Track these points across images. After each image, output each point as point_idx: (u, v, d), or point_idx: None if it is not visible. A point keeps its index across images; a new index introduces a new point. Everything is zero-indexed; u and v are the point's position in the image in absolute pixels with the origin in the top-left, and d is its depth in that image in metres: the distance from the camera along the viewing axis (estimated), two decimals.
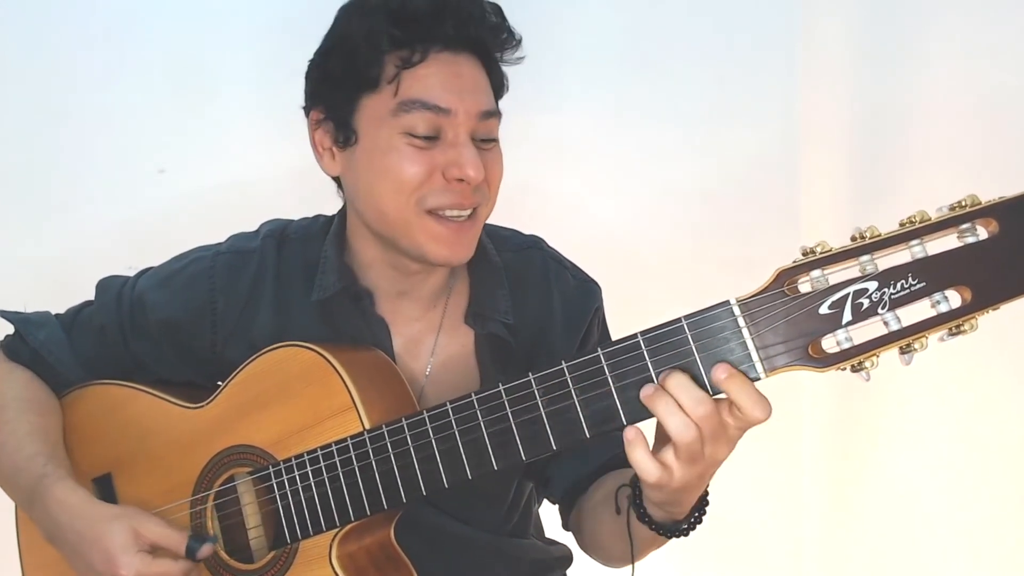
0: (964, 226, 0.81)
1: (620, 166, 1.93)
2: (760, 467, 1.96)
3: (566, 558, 1.33)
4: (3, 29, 1.78)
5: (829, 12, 1.85)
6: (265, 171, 1.84)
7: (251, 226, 1.26)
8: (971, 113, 1.76)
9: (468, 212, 1.07)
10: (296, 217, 1.27)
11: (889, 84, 1.83)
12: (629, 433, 0.87)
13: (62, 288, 1.32)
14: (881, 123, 1.84)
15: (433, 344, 1.18)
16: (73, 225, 1.82)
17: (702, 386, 0.85)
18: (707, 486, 0.97)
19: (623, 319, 1.27)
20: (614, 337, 1.25)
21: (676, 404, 0.85)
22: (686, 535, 1.01)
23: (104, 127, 1.82)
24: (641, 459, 0.87)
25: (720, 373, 0.84)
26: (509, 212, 1.21)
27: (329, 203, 1.27)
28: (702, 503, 0.99)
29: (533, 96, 1.82)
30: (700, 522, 1.01)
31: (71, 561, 1.07)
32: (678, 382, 0.85)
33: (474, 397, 0.96)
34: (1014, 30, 1.73)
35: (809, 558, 1.99)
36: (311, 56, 1.11)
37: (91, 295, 1.28)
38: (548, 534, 1.37)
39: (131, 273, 1.26)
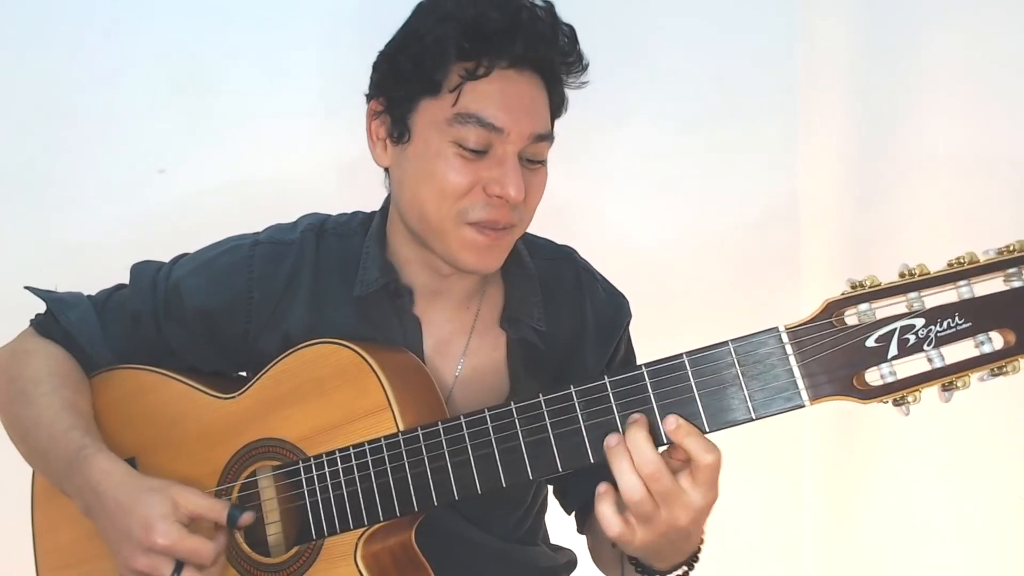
0: (1011, 270, 0.83)
1: (619, 167, 1.95)
2: (760, 475, 1.97)
3: (571, 563, 1.35)
4: (3, 29, 1.78)
5: (830, 12, 1.86)
6: (265, 171, 1.84)
7: (252, 227, 1.26)
8: (972, 113, 1.78)
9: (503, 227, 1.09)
10: (296, 217, 1.27)
11: (890, 83, 1.84)
12: (601, 487, 0.91)
13: (61, 287, 1.31)
14: (881, 122, 1.85)
15: (464, 346, 1.19)
16: (72, 225, 1.82)
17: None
18: (690, 553, 1.00)
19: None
20: (641, 347, 1.30)
21: (630, 461, 0.88)
22: None
23: (104, 127, 1.82)
24: (605, 513, 0.90)
25: (669, 424, 0.88)
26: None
27: (333, 204, 1.29)
28: (691, 560, 1.02)
29: None
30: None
31: (106, 531, 1.06)
32: (633, 440, 0.89)
33: (513, 406, 0.97)
34: (1015, 30, 1.75)
35: (808, 565, 2.00)
36: (384, 45, 1.12)
37: (91, 293, 1.28)
38: (553, 539, 1.38)
39: None
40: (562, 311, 1.22)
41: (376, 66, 1.13)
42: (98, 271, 1.30)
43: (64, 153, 1.81)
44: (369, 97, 1.14)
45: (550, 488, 1.34)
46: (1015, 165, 1.75)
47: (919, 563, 1.93)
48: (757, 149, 1.91)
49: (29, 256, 1.80)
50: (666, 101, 1.91)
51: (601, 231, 1.91)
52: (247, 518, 1.07)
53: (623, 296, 1.28)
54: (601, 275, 1.29)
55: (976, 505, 1.88)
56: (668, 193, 1.93)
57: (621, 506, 0.91)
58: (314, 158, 1.82)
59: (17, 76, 1.78)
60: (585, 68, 1.11)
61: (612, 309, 1.26)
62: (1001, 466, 1.86)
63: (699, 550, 1.01)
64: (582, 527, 1.28)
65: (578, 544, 1.34)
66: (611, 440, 0.90)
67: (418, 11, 1.09)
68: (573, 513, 1.29)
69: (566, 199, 1.87)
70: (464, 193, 1.06)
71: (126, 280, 1.27)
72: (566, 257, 1.28)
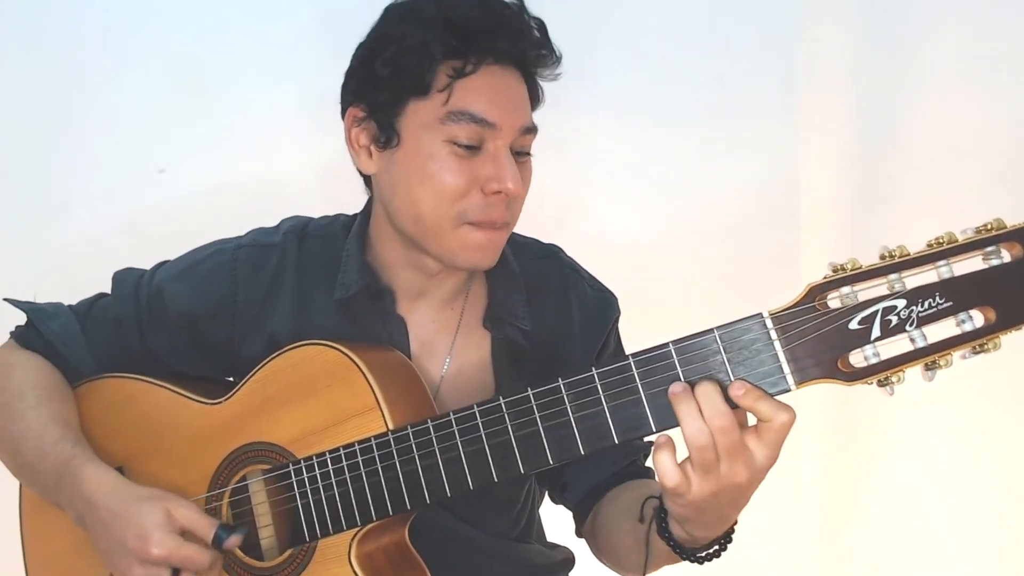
0: (989, 249, 0.84)
1: (619, 167, 1.94)
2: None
3: (568, 561, 1.35)
4: (3, 29, 1.77)
5: (830, 12, 1.87)
6: (265, 171, 1.83)
7: (251, 226, 1.26)
8: (971, 114, 1.79)
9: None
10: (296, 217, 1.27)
11: (890, 84, 1.84)
12: (660, 438, 0.89)
13: (62, 288, 1.31)
14: (882, 123, 1.86)
15: (450, 345, 1.20)
16: (72, 225, 1.81)
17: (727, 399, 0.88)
18: (731, 523, 0.98)
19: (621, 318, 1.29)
20: (637, 346, 1.29)
21: (698, 409, 0.87)
22: (700, 563, 1.02)
23: (104, 127, 1.81)
24: (665, 462, 0.88)
25: (737, 390, 0.86)
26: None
27: (331, 203, 1.28)
28: (725, 538, 1.00)
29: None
30: (717, 555, 1.01)
31: (100, 541, 1.06)
32: (705, 391, 0.87)
33: (502, 401, 0.97)
34: (1015, 32, 1.76)
35: (809, 566, 2.01)
36: (355, 51, 1.12)
37: (91, 294, 1.28)
38: (549, 537, 1.38)
39: None
40: (547, 310, 1.22)
41: (352, 72, 1.13)
42: (98, 272, 1.29)
43: (64, 153, 1.81)
44: (346, 105, 1.13)
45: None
46: (1014, 164, 1.76)
47: (921, 564, 1.94)
48: (756, 149, 1.91)
49: (29, 257, 1.79)
50: (665, 100, 1.90)
51: (600, 230, 1.91)
52: (233, 541, 1.06)
53: (611, 293, 1.28)
54: (588, 273, 1.29)
55: (978, 507, 1.89)
56: (668, 192, 1.93)
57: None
58: (314, 158, 1.81)
59: (17, 76, 1.78)
60: (558, 61, 1.12)
61: (599, 306, 1.26)
62: (1003, 468, 1.88)
63: (732, 530, 0.99)
64: (581, 527, 1.25)
65: (575, 543, 1.33)
66: (676, 387, 0.88)
67: (390, 15, 1.10)
68: (573, 512, 1.27)
69: (564, 198, 1.87)
70: (463, 194, 1.07)
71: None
72: (552, 256, 1.28)
